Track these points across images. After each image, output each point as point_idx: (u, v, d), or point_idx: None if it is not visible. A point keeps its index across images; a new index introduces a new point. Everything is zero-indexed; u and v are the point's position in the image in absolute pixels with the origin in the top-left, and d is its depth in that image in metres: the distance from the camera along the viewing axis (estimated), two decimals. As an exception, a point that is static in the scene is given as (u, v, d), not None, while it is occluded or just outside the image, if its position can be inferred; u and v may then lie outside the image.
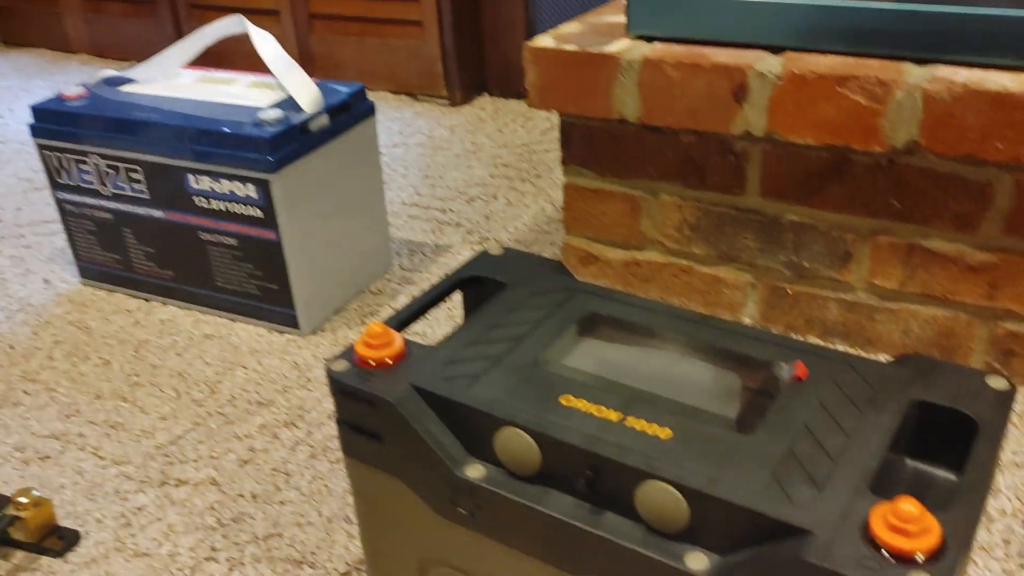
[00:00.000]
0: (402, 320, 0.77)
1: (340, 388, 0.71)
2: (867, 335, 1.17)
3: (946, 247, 1.07)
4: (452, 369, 0.70)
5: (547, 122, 1.97)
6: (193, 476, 1.05)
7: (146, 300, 1.41)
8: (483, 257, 0.85)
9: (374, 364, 0.71)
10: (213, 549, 0.94)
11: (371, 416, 0.70)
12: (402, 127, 1.99)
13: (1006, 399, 0.64)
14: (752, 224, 1.18)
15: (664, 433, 0.62)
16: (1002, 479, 0.96)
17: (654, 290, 1.29)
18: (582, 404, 0.65)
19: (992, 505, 0.93)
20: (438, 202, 1.64)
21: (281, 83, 1.29)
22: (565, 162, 1.28)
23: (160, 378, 1.22)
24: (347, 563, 0.92)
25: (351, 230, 1.35)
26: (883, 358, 1.15)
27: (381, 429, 0.70)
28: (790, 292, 1.20)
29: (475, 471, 0.67)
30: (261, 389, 1.19)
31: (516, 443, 0.64)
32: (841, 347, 1.18)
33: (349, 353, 0.73)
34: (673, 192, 1.22)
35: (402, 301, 1.35)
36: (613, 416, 0.64)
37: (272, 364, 1.24)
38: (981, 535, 0.89)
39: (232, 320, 1.34)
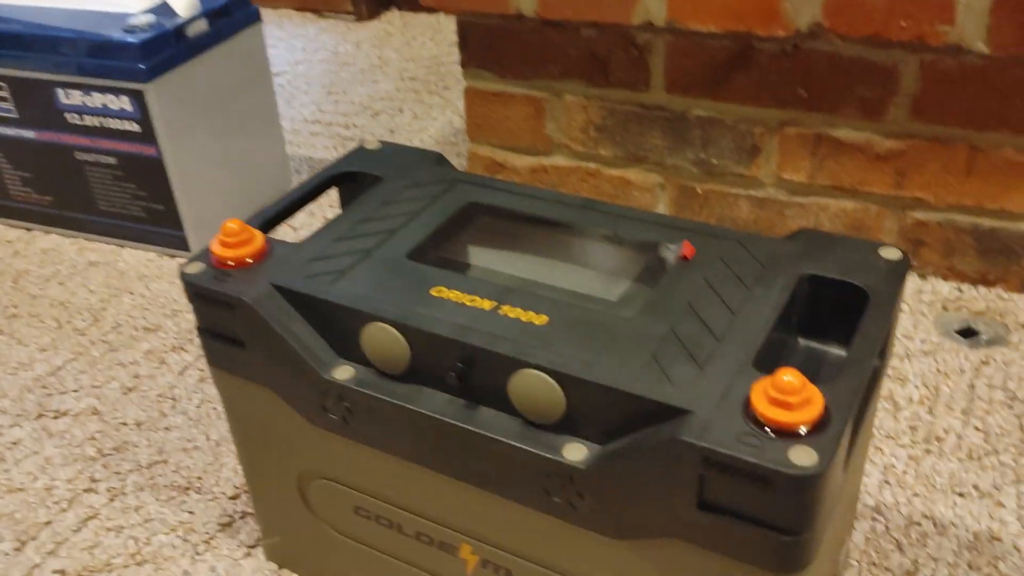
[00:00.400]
0: (267, 219, 0.71)
1: (195, 291, 0.65)
2: (778, 231, 1.14)
3: (854, 136, 1.04)
4: (316, 266, 0.65)
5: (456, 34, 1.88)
6: (73, 407, 0.98)
7: (27, 230, 1.32)
8: (359, 152, 0.79)
9: (232, 264, 0.65)
10: (93, 480, 0.89)
11: (231, 320, 0.64)
12: (306, 44, 1.89)
13: (899, 269, 0.60)
14: (658, 122, 1.13)
15: (540, 320, 0.58)
16: (909, 366, 0.94)
17: (562, 197, 1.24)
18: (454, 295, 0.60)
19: (899, 393, 0.91)
20: (342, 118, 1.56)
21: (154, -13, 1.19)
22: (464, 64, 1.21)
23: (40, 308, 1.14)
24: (235, 486, 0.87)
25: (243, 146, 1.27)
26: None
27: (242, 334, 0.65)
28: (700, 191, 1.16)
29: (343, 372, 0.62)
30: (148, 314, 1.12)
31: (383, 339, 0.59)
32: (752, 246, 1.15)
33: (205, 254, 0.67)
34: (577, 92, 1.16)
35: (301, 220, 1.28)
36: (486, 305, 0.59)
37: (161, 288, 1.17)
38: (888, 423, 0.88)
39: (120, 246, 1.26)
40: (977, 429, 0.86)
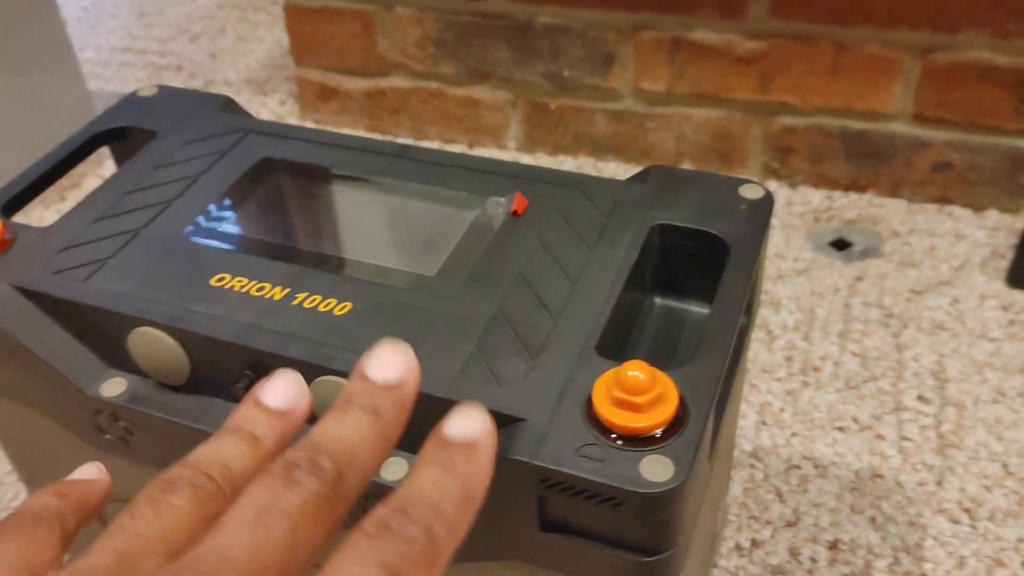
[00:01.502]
0: (8, 199, 0.57)
1: (-87, 301, 0.52)
2: (640, 146, 1.05)
3: (713, 38, 0.95)
4: (69, 256, 0.52)
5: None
6: None
7: None
8: (130, 100, 0.65)
9: (-40, 262, 0.52)
10: None
11: (-34, 333, 0.52)
12: (113, -42, 1.67)
13: (762, 210, 0.52)
14: (502, 32, 1.02)
15: (342, 308, 0.47)
16: (783, 289, 0.88)
17: (405, 121, 1.12)
18: (239, 283, 0.49)
19: (773, 320, 0.85)
20: (156, 44, 1.38)
21: None
22: (280, -23, 1.06)
23: None
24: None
25: (26, 84, 1.09)
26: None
27: (-17, 348, 0.52)
28: (553, 107, 1.05)
29: (114, 387, 0.50)
30: (-68, 296, 0.96)
31: (154, 347, 0.48)
32: (613, 164, 1.06)
33: (-76, 251, 0.53)
34: (409, 3, 1.03)
35: (110, 167, 1.12)
36: (278, 294, 0.48)
37: (-54, 263, 1.00)
38: (762, 356, 0.81)
39: None
40: (854, 354, 0.81)
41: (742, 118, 0.99)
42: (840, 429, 0.75)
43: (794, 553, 0.66)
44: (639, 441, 0.40)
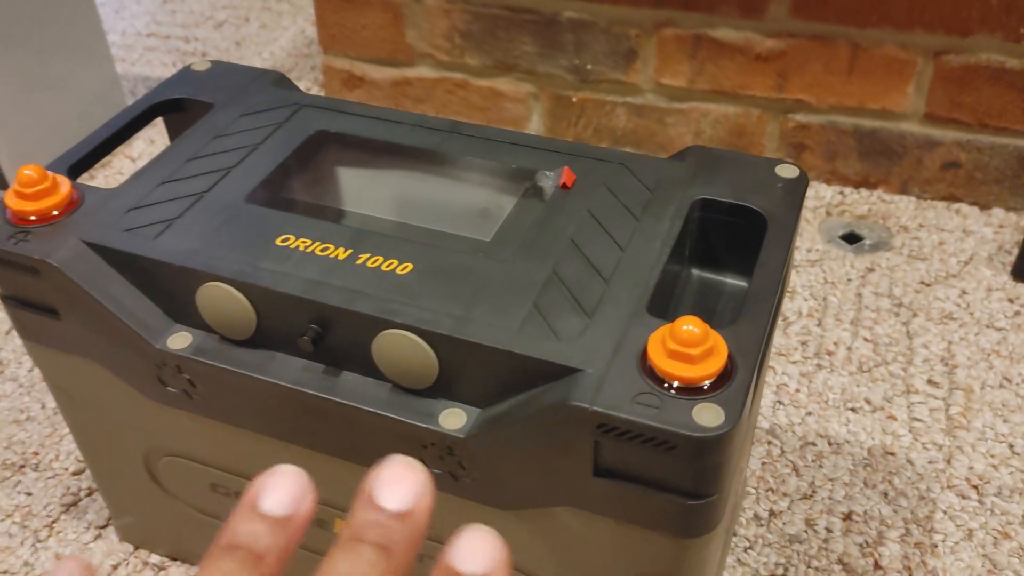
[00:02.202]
0: (74, 163, 0.60)
1: (-12, 254, 0.54)
2: (659, 140, 1.08)
3: (734, 36, 0.98)
4: (137, 216, 0.55)
5: (307, -67, 1.72)
6: None
7: None
8: (185, 74, 0.68)
9: (34, 219, 0.55)
10: (-93, 465, 0.77)
11: (38, 286, 0.54)
12: (135, -53, 1.70)
13: (797, 188, 0.55)
14: (528, 25, 1.05)
15: (404, 269, 0.50)
16: (797, 278, 0.91)
17: (429, 110, 1.15)
18: (303, 243, 0.52)
19: (789, 307, 0.88)
20: (180, 30, 1.41)
21: None
22: (311, -33, 1.09)
23: None
24: (79, 459, 0.77)
25: (61, 67, 1.12)
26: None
27: (54, 301, 0.55)
28: (575, 100, 1.08)
29: (179, 341, 0.53)
30: (-34, 267, 0.98)
31: (222, 301, 0.51)
32: (632, 156, 1.09)
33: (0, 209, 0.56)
34: (438, -6, 1.06)
35: (139, 148, 1.15)
36: (341, 254, 0.51)
37: (-21, 236, 1.03)
38: (778, 339, 0.85)
39: (-73, 188, 1.10)
40: (866, 340, 0.84)
41: (759, 114, 1.02)
42: (853, 410, 0.78)
43: (810, 523, 0.69)
44: (691, 391, 0.43)
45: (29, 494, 0.75)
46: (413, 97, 1.14)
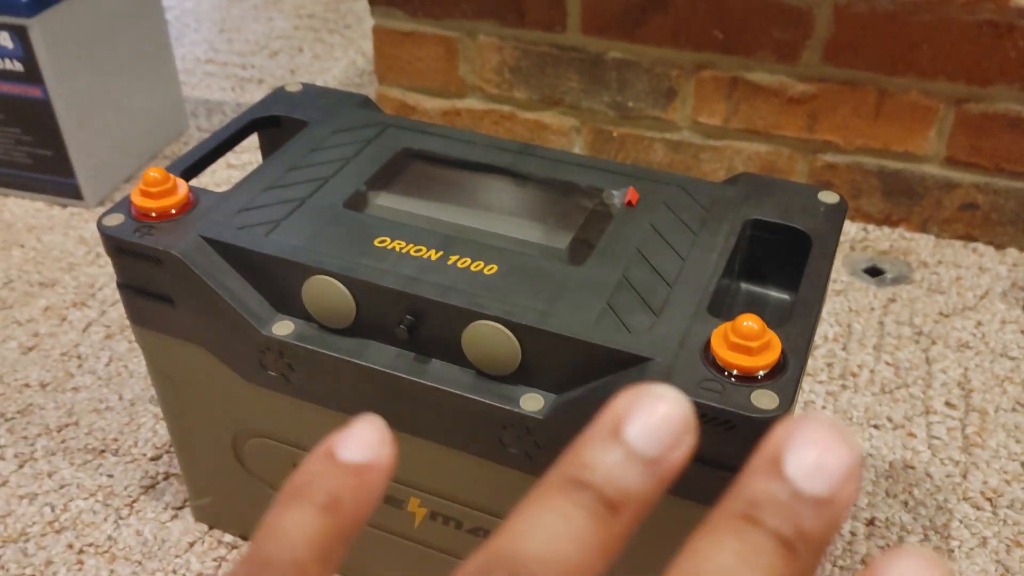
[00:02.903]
0: (187, 166, 0.67)
1: (116, 245, 0.61)
2: (693, 175, 1.15)
3: (768, 79, 1.05)
4: (247, 216, 0.61)
5: (355, -29, 1.82)
6: (-33, 369, 0.92)
7: None
8: (279, 94, 0.75)
9: (155, 216, 0.61)
10: (-4, 446, 0.83)
11: (157, 275, 0.61)
12: (192, -22, 1.79)
13: (838, 213, 0.61)
14: (574, 63, 1.12)
15: (490, 269, 0.56)
16: (824, 306, 0.97)
17: (476, 140, 1.22)
18: (398, 245, 0.59)
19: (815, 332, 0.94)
20: (237, 57, 1.49)
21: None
22: (373, 2, 1.17)
23: (-82, 264, 1.06)
24: (155, 447, 0.84)
25: (135, 88, 1.20)
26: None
27: (170, 289, 0.61)
28: (615, 134, 1.16)
29: (283, 328, 0.59)
30: (43, 269, 1.05)
31: (327, 292, 0.57)
32: (667, 189, 1.16)
33: (125, 205, 0.62)
34: (491, 32, 1.14)
35: (204, 177, 1.22)
36: (433, 255, 0.58)
37: (55, 241, 1.10)
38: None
39: (4, 195, 1.18)
40: (888, 364, 0.90)
41: (789, 153, 1.09)
42: (876, 427, 0.83)
43: (836, 527, 0.75)
44: (748, 379, 0.49)
45: (111, 476, 0.81)
46: (461, 126, 1.22)
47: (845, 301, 0.98)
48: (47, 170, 1.13)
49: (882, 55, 1.00)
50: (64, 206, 1.16)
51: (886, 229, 1.09)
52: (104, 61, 1.13)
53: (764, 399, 0.48)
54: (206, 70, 1.46)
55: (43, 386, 0.90)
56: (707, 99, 1.09)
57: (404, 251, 0.58)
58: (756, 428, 0.47)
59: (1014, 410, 0.85)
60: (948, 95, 1.00)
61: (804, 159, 1.09)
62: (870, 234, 1.08)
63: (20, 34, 1.03)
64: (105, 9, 1.12)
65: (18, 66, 1.05)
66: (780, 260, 0.62)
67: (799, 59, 1.03)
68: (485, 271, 0.56)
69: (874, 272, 1.03)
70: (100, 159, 1.15)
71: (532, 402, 0.54)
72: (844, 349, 0.92)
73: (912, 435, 0.83)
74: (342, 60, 1.47)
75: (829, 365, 0.90)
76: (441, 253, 0.58)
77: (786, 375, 0.49)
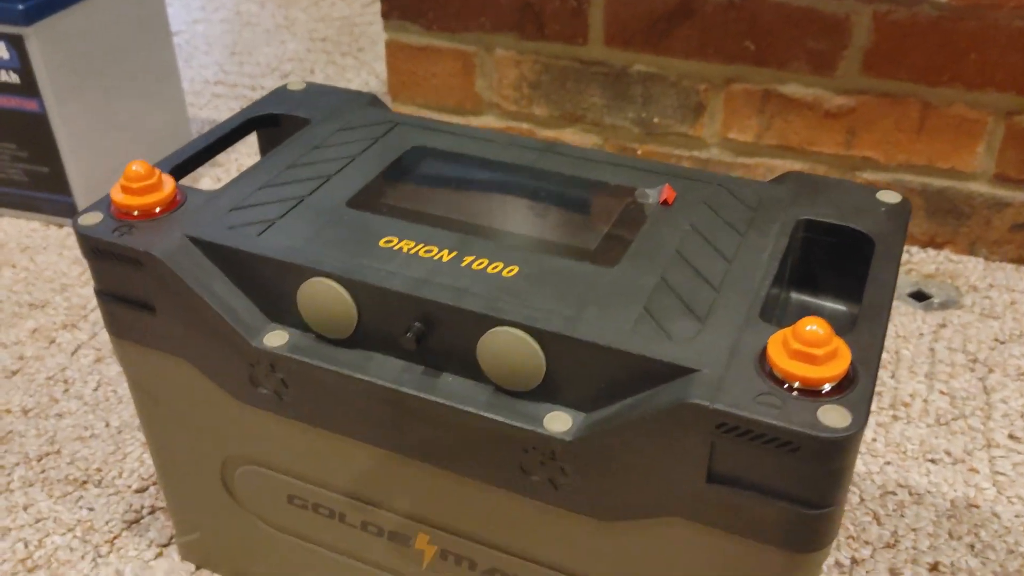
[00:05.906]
0: (178, 165, 0.61)
1: (92, 246, 0.54)
2: (722, 195, 1.08)
3: (803, 92, 0.99)
4: (239, 215, 0.55)
5: (369, -3, 1.78)
6: (-55, 394, 0.85)
7: None
8: (281, 92, 0.69)
9: (137, 214, 0.55)
10: (-30, 476, 0.77)
11: (137, 279, 0.55)
12: (204, 2, 1.76)
13: (901, 213, 0.55)
14: (597, 78, 1.07)
15: (509, 271, 0.50)
16: (868, 331, 0.90)
17: (493, 160, 1.16)
18: (407, 245, 0.52)
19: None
20: (247, 79, 1.44)
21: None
22: (386, 16, 1.12)
23: (-97, 284, 1.00)
24: (142, 478, 0.77)
25: (138, 104, 1.15)
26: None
27: (151, 296, 0.55)
28: (639, 152, 1.09)
29: (276, 338, 0.53)
30: (34, 289, 0.99)
31: (325, 297, 0.51)
32: (695, 210, 1.09)
33: (104, 203, 0.56)
34: (509, 46, 1.08)
35: (206, 185, 1.16)
36: (446, 256, 0.51)
37: (47, 261, 1.04)
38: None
39: (-2, 215, 1.12)
40: (942, 393, 0.82)
41: (825, 171, 1.03)
42: (932, 461, 0.76)
43: (895, 573, 0.67)
44: (812, 393, 0.42)
45: (91, 509, 0.74)
46: (478, 145, 1.16)
47: (892, 326, 0.90)
48: (43, 188, 1.08)
49: (925, 65, 0.93)
50: (60, 226, 1.10)
51: (931, 251, 1.02)
52: (105, 75, 1.08)
53: (833, 416, 0.40)
54: (214, 91, 1.41)
55: (25, 412, 0.83)
56: (737, 114, 1.03)
57: (413, 251, 0.52)
58: (825, 450, 0.40)
59: (1085, 444, 0.77)
60: (997, 107, 0.93)
61: (841, 176, 1.02)
62: (914, 257, 1.01)
63: (16, 44, 0.98)
64: (107, 21, 1.07)
65: (14, 77, 1.00)
66: (836, 266, 0.55)
67: (836, 70, 0.97)
68: (504, 273, 0.50)
69: (920, 297, 0.96)
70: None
71: (558, 422, 0.47)
72: (893, 377, 0.84)
73: (974, 470, 0.75)
74: (354, 81, 1.42)
75: (878, 394, 0.82)
76: (455, 253, 0.51)
77: (857, 388, 0.42)
